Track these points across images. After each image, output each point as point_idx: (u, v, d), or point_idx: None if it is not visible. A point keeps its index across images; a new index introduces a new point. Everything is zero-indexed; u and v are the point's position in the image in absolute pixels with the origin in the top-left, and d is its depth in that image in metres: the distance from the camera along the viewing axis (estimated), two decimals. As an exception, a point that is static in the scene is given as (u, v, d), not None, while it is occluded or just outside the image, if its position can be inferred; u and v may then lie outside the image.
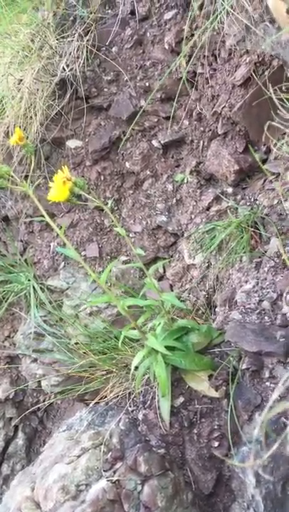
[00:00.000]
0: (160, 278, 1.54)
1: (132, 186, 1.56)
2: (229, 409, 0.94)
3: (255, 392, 0.94)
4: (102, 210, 1.57)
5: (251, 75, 1.19)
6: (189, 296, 1.43)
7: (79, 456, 0.89)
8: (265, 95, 0.77)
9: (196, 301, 1.40)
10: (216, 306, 1.31)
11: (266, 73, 1.16)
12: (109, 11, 1.52)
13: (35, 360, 1.61)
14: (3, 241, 1.78)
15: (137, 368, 0.98)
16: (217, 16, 0.97)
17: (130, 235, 1.56)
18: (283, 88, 0.67)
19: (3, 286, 1.68)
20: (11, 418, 1.87)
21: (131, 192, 1.56)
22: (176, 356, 0.97)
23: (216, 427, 0.94)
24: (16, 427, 1.90)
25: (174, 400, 0.98)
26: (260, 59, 1.17)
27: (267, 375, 0.95)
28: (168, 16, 1.40)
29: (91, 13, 1.49)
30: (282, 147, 0.67)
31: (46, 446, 1.02)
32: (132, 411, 1.03)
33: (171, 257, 1.53)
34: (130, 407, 1.04)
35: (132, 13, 1.46)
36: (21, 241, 1.75)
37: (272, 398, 0.45)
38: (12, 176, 0.86)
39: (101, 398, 1.18)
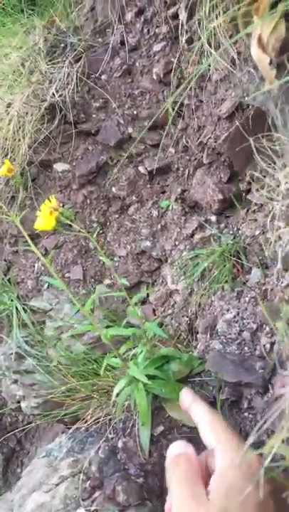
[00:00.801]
0: (143, 302, 1.56)
1: (118, 211, 1.58)
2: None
3: (233, 423, 0.96)
4: (88, 232, 1.58)
5: (236, 109, 1.23)
6: (172, 322, 1.44)
7: (57, 485, 0.89)
8: (247, 133, 0.81)
9: (178, 326, 1.41)
10: (197, 333, 1.33)
11: (250, 108, 1.20)
12: (100, 40, 1.56)
13: (15, 382, 1.61)
14: (-13, 260, 1.78)
15: (118, 394, 0.99)
16: (203, 57, 1.00)
17: (115, 259, 1.58)
18: (265, 136, 0.70)
19: (-14, 305, 1.68)
20: (-12, 438, 1.85)
21: (116, 216, 1.59)
22: (157, 385, 0.99)
23: (194, 456, 0.96)
24: (-7, 447, 1.88)
25: (154, 429, 0.99)
26: (245, 94, 1.21)
27: (245, 405, 0.97)
28: (157, 47, 1.44)
29: (82, 40, 1.53)
30: (263, 194, 0.70)
31: (25, 473, 1.02)
32: (112, 438, 1.04)
33: (155, 282, 1.54)
34: (110, 434, 1.05)
35: (122, 43, 1.50)
36: (5, 260, 1.75)
37: (250, 440, 0.46)
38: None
39: (81, 423, 1.18)
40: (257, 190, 1.36)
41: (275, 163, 0.70)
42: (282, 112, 0.66)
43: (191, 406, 0.63)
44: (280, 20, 0.69)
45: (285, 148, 0.68)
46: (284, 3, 0.69)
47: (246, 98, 0.92)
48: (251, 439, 0.46)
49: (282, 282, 0.86)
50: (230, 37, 0.99)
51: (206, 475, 0.55)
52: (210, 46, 0.94)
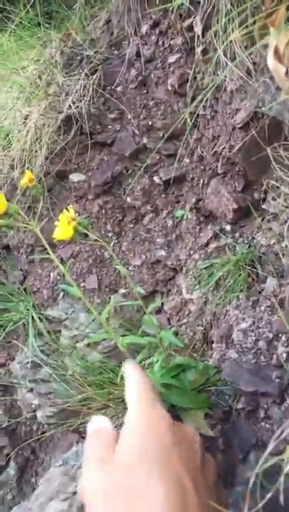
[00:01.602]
0: (158, 311, 1.56)
1: (133, 220, 1.59)
2: (224, 449, 0.95)
3: (250, 432, 0.96)
4: (105, 242, 1.60)
5: (250, 119, 1.23)
6: (186, 331, 1.44)
7: (75, 493, 0.89)
8: (263, 146, 0.81)
9: (193, 336, 1.41)
10: (212, 342, 1.33)
11: (264, 118, 1.20)
12: (116, 52, 1.58)
13: (31, 390, 1.62)
14: (4, 269, 1.80)
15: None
16: (218, 69, 1.02)
17: (130, 268, 1.58)
18: (280, 144, 0.70)
19: (2, 314, 1.70)
20: (3, 447, 1.86)
21: (131, 226, 1.60)
22: (173, 394, 0.99)
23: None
24: (8, 456, 1.88)
25: (170, 438, 0.99)
26: (260, 103, 1.22)
27: (262, 415, 0.96)
28: (172, 59, 1.45)
29: (98, 53, 1.55)
30: (279, 202, 0.70)
31: (42, 481, 1.03)
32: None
33: (169, 291, 1.55)
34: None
35: (138, 54, 1.52)
36: (21, 270, 1.77)
37: (269, 448, 0.46)
38: (18, 213, 0.89)
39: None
40: (273, 199, 1.36)
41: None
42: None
43: (128, 373, 0.60)
44: (296, 31, 0.70)
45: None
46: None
47: (262, 108, 0.92)
48: (270, 449, 0.46)
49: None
50: (246, 48, 1.00)
51: None
52: (226, 57, 0.95)
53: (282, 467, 0.53)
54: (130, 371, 0.59)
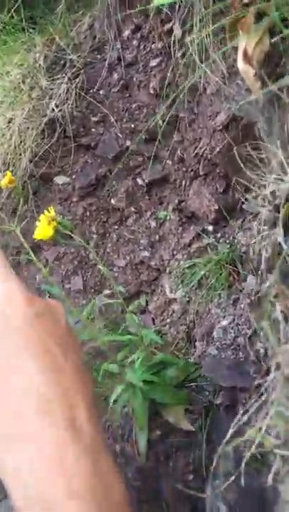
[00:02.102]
0: (142, 311, 1.58)
1: (117, 222, 1.61)
2: (204, 443, 0.97)
3: (229, 427, 0.97)
4: (88, 243, 1.61)
5: (230, 121, 1.26)
6: (170, 330, 1.46)
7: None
8: (240, 148, 0.84)
9: (177, 334, 1.43)
10: (195, 340, 1.35)
11: (244, 121, 1.23)
12: (98, 56, 1.60)
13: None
14: (-10, 272, 1.81)
15: (115, 401, 1.01)
16: (195, 70, 1.04)
17: (114, 269, 1.60)
18: (251, 145, 0.73)
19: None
20: None
21: (116, 227, 1.62)
22: (154, 390, 1.01)
23: (191, 460, 0.97)
24: None
25: (151, 434, 1.01)
26: (237, 105, 1.25)
27: (241, 410, 0.98)
28: (153, 62, 1.48)
29: (80, 57, 1.57)
30: (250, 203, 0.73)
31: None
32: (110, 444, 1.06)
33: (154, 291, 1.57)
34: (108, 439, 1.07)
35: (120, 59, 1.54)
36: (7, 273, 1.78)
37: (230, 432, 0.48)
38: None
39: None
40: (253, 198, 1.39)
41: (262, 171, 0.73)
42: (268, 122, 0.69)
43: None
44: (264, 33, 0.73)
45: (271, 156, 0.70)
46: (269, 17, 0.72)
47: (233, 109, 0.95)
48: (231, 431, 0.48)
49: (266, 283, 0.89)
50: (222, 53, 1.03)
51: None
52: (201, 61, 0.97)
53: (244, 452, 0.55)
54: None
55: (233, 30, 0.78)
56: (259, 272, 1.24)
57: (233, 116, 1.24)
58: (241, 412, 1.00)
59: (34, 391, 0.41)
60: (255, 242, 1.31)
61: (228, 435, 0.47)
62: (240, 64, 0.74)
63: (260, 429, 0.43)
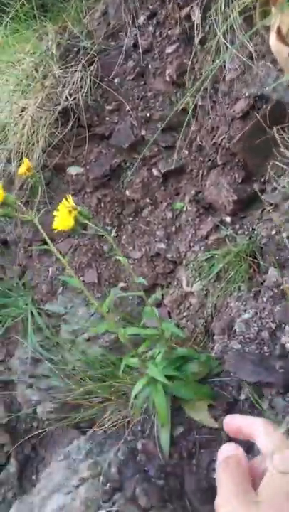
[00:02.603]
0: (158, 305, 1.55)
1: (132, 213, 1.58)
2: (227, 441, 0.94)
3: (254, 423, 0.94)
4: (102, 236, 1.58)
5: (250, 108, 1.22)
6: (187, 324, 1.43)
7: (77, 487, 0.88)
8: (266, 132, 0.80)
9: (195, 328, 1.40)
10: (214, 334, 1.32)
11: (264, 107, 1.19)
12: (113, 43, 1.56)
13: (30, 386, 1.60)
14: (2, 265, 1.78)
15: (136, 396, 0.98)
16: (220, 53, 1.00)
17: (129, 262, 1.57)
18: (286, 128, 0.69)
19: (1, 310, 1.68)
20: (3, 444, 1.84)
21: (130, 219, 1.58)
22: (176, 386, 0.98)
23: (215, 457, 0.94)
24: (8, 454, 1.87)
25: (174, 430, 0.98)
26: (260, 93, 1.21)
27: (266, 406, 0.95)
28: (169, 49, 1.44)
29: (94, 44, 1.53)
30: (280, 181, 0.69)
31: (44, 475, 1.01)
32: (131, 440, 1.03)
33: (170, 284, 1.53)
34: (128, 436, 1.04)
35: (135, 45, 1.50)
36: (20, 265, 1.75)
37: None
38: (16, 203, 0.88)
39: (98, 426, 1.17)
40: (273, 189, 1.35)
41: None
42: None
43: (240, 422, 0.58)
44: (299, 11, 0.69)
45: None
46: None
47: (266, 88, 0.91)
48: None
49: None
50: (246, 33, 0.99)
51: (258, 478, 0.52)
52: (226, 41, 0.93)
53: None
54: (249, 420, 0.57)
55: (264, 6, 0.75)
56: (281, 264, 1.20)
57: (255, 103, 1.20)
58: (266, 407, 0.97)
59: None
60: (276, 234, 1.28)
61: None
62: (273, 43, 0.70)
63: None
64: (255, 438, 0.56)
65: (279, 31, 0.69)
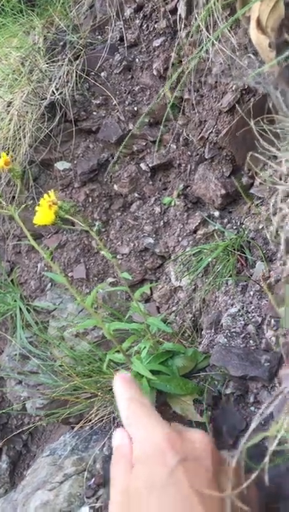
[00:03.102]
0: (147, 300, 1.54)
1: (120, 208, 1.57)
2: (213, 435, 0.94)
3: (239, 417, 0.94)
4: (90, 230, 1.57)
5: (237, 102, 1.21)
6: (176, 319, 1.43)
7: (61, 483, 0.87)
8: (249, 125, 0.79)
9: (183, 323, 1.40)
10: (202, 329, 1.31)
11: (251, 100, 1.18)
12: (99, 37, 1.55)
13: (19, 383, 1.59)
14: (-10, 261, 1.77)
15: (121, 392, 0.97)
16: (202, 45, 0.99)
17: (118, 257, 1.56)
18: (265, 120, 0.68)
19: (-11, 306, 1.67)
20: (-6, 441, 1.84)
21: (119, 214, 1.57)
22: (161, 380, 0.97)
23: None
24: (0, 450, 1.86)
25: (159, 425, 0.97)
26: (246, 86, 1.20)
27: (252, 399, 0.95)
28: (156, 43, 1.43)
29: (81, 38, 1.52)
30: (266, 174, 0.69)
31: (29, 471, 1.01)
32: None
33: (158, 279, 1.53)
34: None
35: (121, 39, 1.49)
36: (8, 261, 1.74)
37: (252, 426, 0.45)
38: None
39: (85, 422, 1.16)
40: (260, 183, 1.34)
41: (276, 146, 0.69)
42: (283, 94, 0.65)
43: (118, 390, 0.61)
44: None
45: (287, 130, 0.66)
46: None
47: (245, 79, 0.90)
48: (254, 425, 0.44)
49: (284, 264, 0.85)
50: (231, 27, 0.98)
51: None
52: (208, 33, 0.92)
53: (267, 448, 0.51)
54: (120, 388, 0.59)
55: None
56: (268, 258, 1.20)
57: (241, 97, 1.20)
58: (252, 401, 0.97)
59: None
60: (263, 228, 1.27)
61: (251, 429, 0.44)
62: (253, 33, 0.69)
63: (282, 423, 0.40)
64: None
65: (258, 21, 0.68)
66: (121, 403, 0.58)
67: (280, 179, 0.66)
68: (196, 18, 1.22)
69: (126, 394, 0.58)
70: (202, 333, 1.29)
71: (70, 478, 0.89)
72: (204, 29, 0.92)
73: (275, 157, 0.68)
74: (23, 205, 0.90)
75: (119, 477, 0.52)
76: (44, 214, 0.87)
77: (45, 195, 0.88)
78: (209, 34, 0.96)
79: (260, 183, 1.34)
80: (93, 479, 0.89)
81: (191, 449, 0.50)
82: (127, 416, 0.57)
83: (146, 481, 0.47)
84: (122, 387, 0.59)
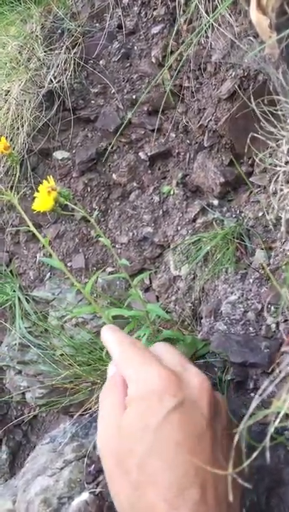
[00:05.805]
0: (146, 289, 1.54)
1: (119, 198, 1.56)
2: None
3: (240, 403, 0.94)
4: (89, 221, 1.57)
5: (236, 89, 1.21)
6: (175, 308, 1.43)
7: (62, 469, 0.88)
8: (249, 108, 0.78)
9: (182, 312, 1.40)
10: (201, 318, 1.31)
11: (251, 87, 1.18)
12: (97, 25, 1.54)
13: (19, 372, 1.59)
14: (-11, 252, 1.77)
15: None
16: (202, 30, 0.98)
17: (116, 246, 1.56)
18: (266, 101, 0.68)
19: (-12, 297, 1.67)
20: (-6, 432, 1.84)
21: (117, 203, 1.57)
22: (161, 367, 0.97)
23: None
24: (0, 441, 1.87)
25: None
26: (246, 73, 1.19)
27: (251, 386, 0.95)
28: (155, 30, 1.42)
29: (79, 26, 1.51)
30: (266, 159, 0.68)
31: (29, 459, 1.01)
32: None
33: (158, 268, 1.53)
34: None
35: (120, 26, 1.48)
36: (7, 251, 1.74)
37: (252, 406, 0.45)
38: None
39: (85, 410, 1.16)
40: (261, 171, 1.34)
41: (277, 128, 0.68)
42: (284, 75, 0.64)
43: (107, 337, 0.60)
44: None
45: (287, 111, 0.66)
46: None
47: (246, 60, 0.89)
48: (254, 404, 0.44)
49: (285, 245, 0.84)
50: (232, 12, 0.97)
51: None
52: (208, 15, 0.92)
53: (268, 427, 0.51)
54: (109, 335, 0.58)
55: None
56: (268, 246, 1.20)
57: (241, 83, 1.19)
58: (251, 387, 0.97)
59: None
60: (263, 215, 1.27)
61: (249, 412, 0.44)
62: (253, 13, 0.68)
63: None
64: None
65: (259, 1, 0.67)
66: (112, 347, 0.56)
67: (280, 161, 0.65)
68: (195, 5, 1.21)
69: (116, 338, 0.56)
70: (201, 321, 1.29)
71: (70, 465, 0.89)
72: (204, 12, 0.91)
73: (276, 140, 0.68)
74: (21, 193, 0.89)
75: (110, 410, 0.51)
76: (43, 200, 0.86)
77: (44, 181, 0.88)
78: (208, 17, 0.95)
79: (260, 172, 1.33)
80: (93, 465, 0.89)
81: (189, 394, 0.49)
82: (119, 358, 0.55)
83: (140, 421, 0.46)
84: (111, 334, 0.58)
